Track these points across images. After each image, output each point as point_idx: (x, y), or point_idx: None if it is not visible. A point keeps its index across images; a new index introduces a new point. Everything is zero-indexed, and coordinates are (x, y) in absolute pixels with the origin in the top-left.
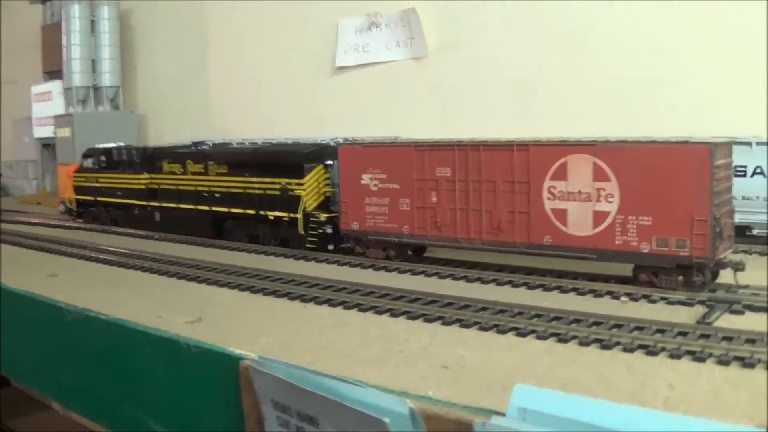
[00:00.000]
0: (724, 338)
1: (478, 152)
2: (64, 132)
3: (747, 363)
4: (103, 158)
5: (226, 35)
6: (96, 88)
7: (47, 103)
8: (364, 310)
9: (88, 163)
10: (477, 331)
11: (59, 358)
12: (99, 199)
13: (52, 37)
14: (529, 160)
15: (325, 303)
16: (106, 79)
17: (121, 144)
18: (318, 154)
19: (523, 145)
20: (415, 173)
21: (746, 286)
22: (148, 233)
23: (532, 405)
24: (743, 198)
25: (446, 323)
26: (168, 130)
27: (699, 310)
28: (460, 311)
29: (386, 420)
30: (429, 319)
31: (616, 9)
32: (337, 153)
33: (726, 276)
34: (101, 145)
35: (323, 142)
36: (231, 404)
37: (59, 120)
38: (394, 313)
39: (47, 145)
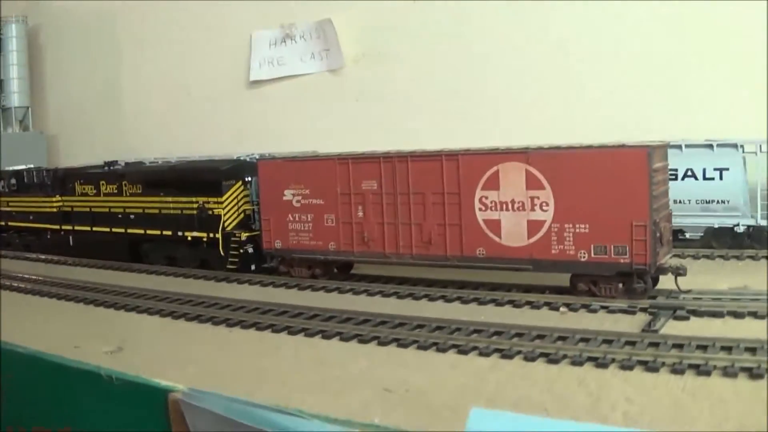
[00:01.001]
0: (674, 345)
1: (405, 163)
2: None
3: (702, 371)
4: (13, 181)
5: (139, 53)
6: (4, 109)
7: None
8: (294, 333)
9: None
10: (416, 351)
11: None
12: (10, 223)
13: None
14: (459, 170)
15: (252, 327)
16: (15, 99)
17: (31, 166)
18: (236, 170)
19: (453, 155)
20: (339, 187)
21: (688, 291)
22: (61, 258)
23: (489, 427)
24: (675, 201)
25: (382, 343)
26: (80, 151)
27: (642, 317)
28: (396, 330)
29: None
30: (363, 340)
31: (541, 14)
32: (257, 168)
33: (666, 282)
34: (10, 168)
35: (240, 158)
36: None
37: None
38: (326, 335)
39: None
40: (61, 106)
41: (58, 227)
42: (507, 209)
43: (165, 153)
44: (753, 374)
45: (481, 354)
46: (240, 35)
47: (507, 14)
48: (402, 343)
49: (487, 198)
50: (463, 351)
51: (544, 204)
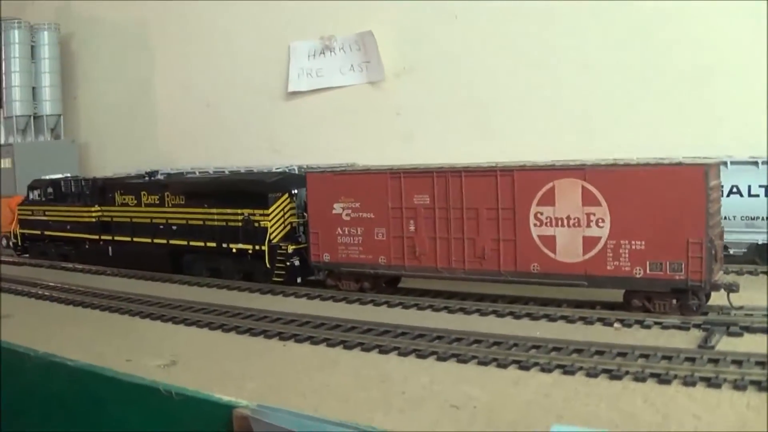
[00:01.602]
0: (734, 362)
1: (459, 178)
2: (5, 163)
3: (764, 387)
4: (50, 190)
5: (173, 60)
6: (36, 117)
7: None
8: (350, 348)
9: (34, 195)
10: (476, 366)
11: (18, 407)
12: (46, 233)
13: None
14: (515, 186)
15: (307, 341)
16: (47, 107)
17: (68, 175)
18: (283, 182)
19: (508, 170)
20: (390, 201)
21: (741, 308)
22: (100, 269)
23: None
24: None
25: (441, 359)
26: (111, 160)
27: (695, 333)
28: (454, 345)
29: None
30: (422, 355)
31: (577, 30)
32: (306, 181)
33: (716, 298)
34: (48, 176)
35: (281, 170)
36: None
37: None
38: (383, 350)
39: None
40: (92, 114)
41: (97, 237)
42: (562, 225)
43: (199, 163)
44: None
45: (542, 370)
46: (278, 46)
47: (547, 28)
48: (461, 359)
49: (542, 214)
50: (524, 367)
51: (600, 220)
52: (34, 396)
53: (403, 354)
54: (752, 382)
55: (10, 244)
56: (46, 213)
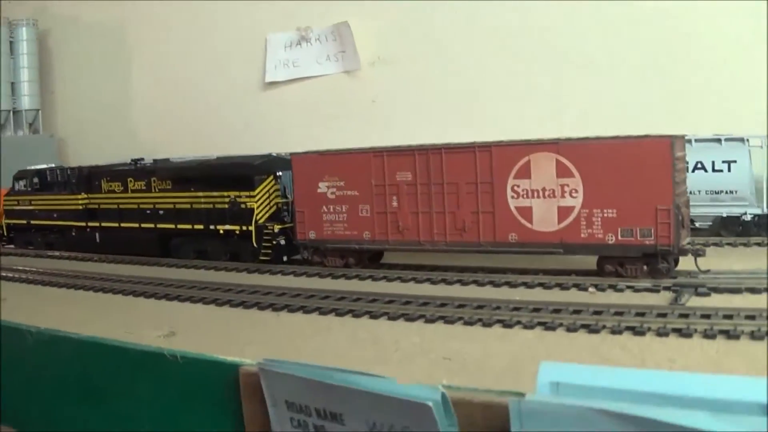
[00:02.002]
0: (703, 316)
1: (439, 155)
2: None
3: (732, 335)
4: (35, 180)
5: (151, 54)
6: (15, 112)
7: None
8: (341, 315)
9: (20, 185)
10: (463, 326)
11: (23, 383)
12: (33, 222)
13: None
14: (492, 161)
15: (299, 310)
16: (26, 102)
17: (52, 165)
18: (268, 165)
19: (485, 146)
20: (374, 179)
21: (707, 271)
22: (87, 255)
23: (562, 378)
24: None
25: (429, 321)
26: (89, 154)
27: (666, 295)
28: (440, 308)
29: (429, 404)
30: (410, 319)
31: (553, 19)
32: (291, 163)
33: (684, 263)
34: (34, 167)
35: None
36: (228, 413)
37: None
38: (373, 315)
39: None
40: (70, 109)
41: (84, 224)
42: (538, 196)
43: (179, 154)
44: None
45: (525, 327)
46: (254, 38)
47: (517, 17)
48: (448, 320)
49: (519, 186)
50: (507, 325)
51: (573, 191)
52: (38, 371)
53: (393, 318)
54: (721, 332)
55: None
56: (32, 202)
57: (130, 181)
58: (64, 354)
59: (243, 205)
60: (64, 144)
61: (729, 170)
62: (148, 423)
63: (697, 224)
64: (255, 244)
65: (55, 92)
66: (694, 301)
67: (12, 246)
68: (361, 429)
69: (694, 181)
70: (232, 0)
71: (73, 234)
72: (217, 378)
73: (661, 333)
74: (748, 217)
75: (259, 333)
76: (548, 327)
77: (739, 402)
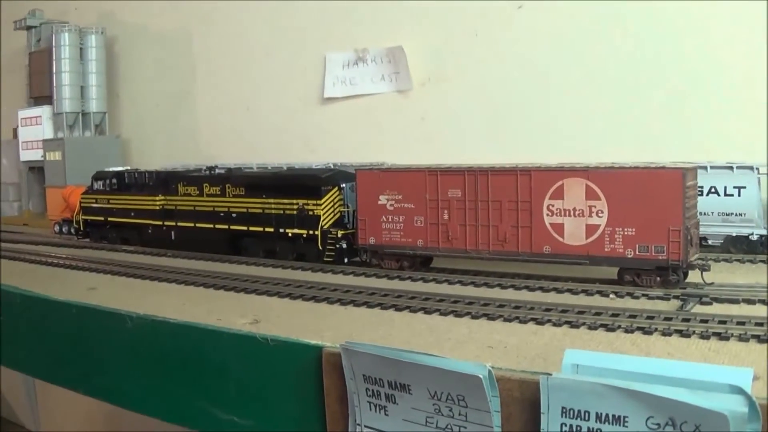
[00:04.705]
0: (701, 321)
1: (486, 176)
2: (55, 155)
3: (723, 337)
4: (114, 181)
5: (213, 64)
6: (83, 114)
7: (35, 128)
8: (400, 310)
9: (98, 185)
10: (503, 323)
11: (124, 365)
12: (110, 219)
13: (40, 63)
14: (531, 183)
15: (363, 305)
16: (93, 105)
17: (128, 168)
18: (334, 177)
19: (526, 171)
20: (428, 194)
21: (711, 283)
22: (161, 251)
23: (582, 362)
24: (701, 213)
25: (474, 317)
26: (152, 155)
27: (675, 303)
28: (484, 307)
29: (480, 376)
30: (459, 315)
31: (592, 44)
32: (356, 176)
33: (693, 277)
34: (112, 169)
35: (320, 167)
36: (311, 386)
37: (49, 144)
38: (427, 311)
39: (33, 168)
40: (133, 112)
41: (160, 223)
42: (569, 215)
43: (238, 161)
44: (761, 340)
45: (554, 325)
46: (314, 57)
47: (560, 44)
48: (490, 317)
49: (553, 206)
50: (540, 323)
51: (599, 211)
52: (138, 353)
53: (444, 314)
54: (714, 333)
55: (71, 230)
56: (110, 201)
57: (206, 186)
58: (162, 337)
59: (310, 212)
60: (127, 145)
61: (739, 195)
62: (241, 396)
63: (709, 242)
64: (320, 247)
65: (120, 96)
66: (698, 309)
67: (88, 240)
68: (424, 396)
69: (708, 203)
70: (294, 19)
71: (149, 232)
72: (302, 358)
73: (666, 333)
74: (755, 237)
75: (331, 323)
76: (573, 325)
77: (722, 384)
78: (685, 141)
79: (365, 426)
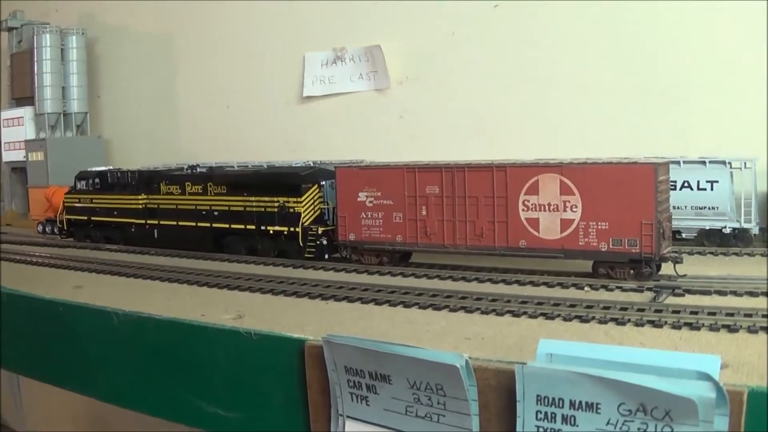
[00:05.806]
0: (673, 311)
1: (462, 173)
2: (37, 156)
3: (694, 327)
4: (97, 181)
5: (194, 64)
6: (65, 114)
7: (17, 128)
8: (380, 304)
9: (81, 185)
10: (480, 315)
11: (110, 360)
12: (93, 218)
13: (21, 64)
14: (507, 179)
15: (344, 299)
16: (74, 105)
17: (111, 167)
18: (314, 175)
19: (502, 167)
20: (406, 191)
21: (684, 275)
22: (144, 249)
23: (556, 351)
24: (674, 207)
25: (452, 310)
26: (133, 155)
27: (648, 294)
28: (462, 300)
29: (457, 366)
30: (437, 308)
31: (569, 42)
32: (335, 174)
33: (666, 269)
34: (94, 168)
35: (299, 165)
36: (294, 378)
37: (31, 144)
38: (406, 305)
39: (15, 169)
40: (114, 113)
41: (143, 222)
42: (544, 210)
43: (219, 160)
44: (730, 329)
45: (530, 317)
46: (293, 56)
47: (534, 43)
48: (468, 310)
49: (528, 201)
50: (516, 315)
51: (573, 206)
52: (124, 349)
53: (423, 307)
54: (685, 324)
55: (55, 229)
56: (93, 201)
57: (188, 184)
58: (148, 333)
59: (291, 210)
60: (109, 145)
61: (712, 189)
62: (226, 390)
63: (683, 235)
64: (301, 243)
65: (102, 96)
66: (670, 300)
67: (72, 239)
68: (404, 386)
69: (682, 197)
70: (274, 19)
71: (133, 230)
72: (285, 351)
73: (638, 324)
74: (728, 230)
75: (313, 317)
76: (548, 317)
77: (690, 371)
78: (660, 138)
79: (347, 416)
